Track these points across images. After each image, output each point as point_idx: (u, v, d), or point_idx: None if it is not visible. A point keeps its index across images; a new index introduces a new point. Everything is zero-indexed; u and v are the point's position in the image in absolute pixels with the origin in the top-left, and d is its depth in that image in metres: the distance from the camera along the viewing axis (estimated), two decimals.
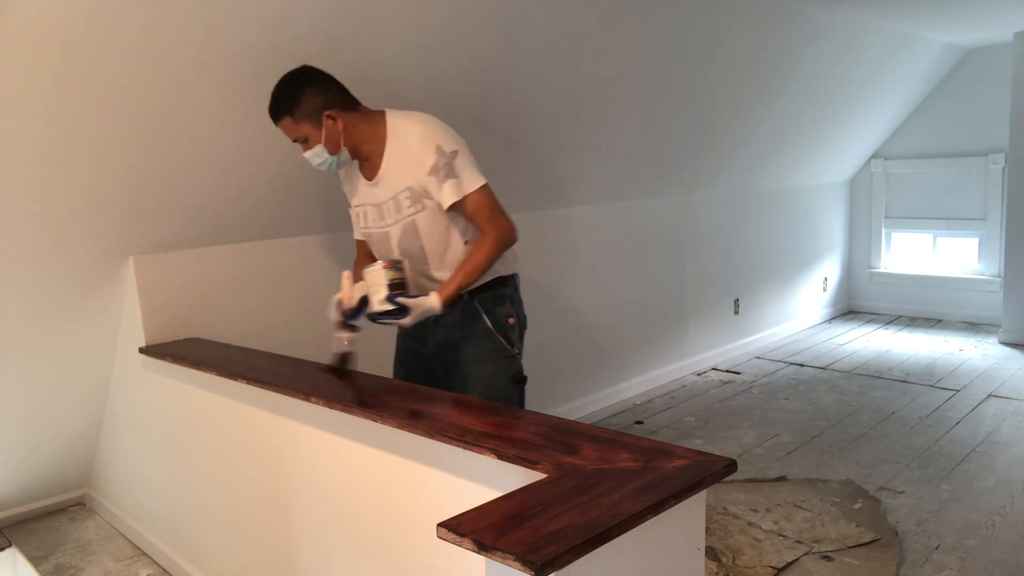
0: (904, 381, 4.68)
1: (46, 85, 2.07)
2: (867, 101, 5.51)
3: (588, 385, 4.36)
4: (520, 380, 2.16)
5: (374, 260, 2.13)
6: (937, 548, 2.68)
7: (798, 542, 2.74)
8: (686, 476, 1.22)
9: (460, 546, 1.06)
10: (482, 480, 1.48)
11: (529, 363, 3.94)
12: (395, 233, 2.07)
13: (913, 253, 6.45)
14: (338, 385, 1.97)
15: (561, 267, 4.12)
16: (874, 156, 6.39)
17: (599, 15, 3.13)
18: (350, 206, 2.21)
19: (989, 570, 2.53)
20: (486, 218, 2.01)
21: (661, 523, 1.15)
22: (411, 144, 1.98)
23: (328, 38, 2.44)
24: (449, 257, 2.08)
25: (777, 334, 5.86)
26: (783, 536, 2.79)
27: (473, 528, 1.07)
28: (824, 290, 6.42)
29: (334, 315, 2.07)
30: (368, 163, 2.07)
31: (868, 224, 6.54)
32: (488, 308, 2.11)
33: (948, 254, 6.28)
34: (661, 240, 4.76)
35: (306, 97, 2.00)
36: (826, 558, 2.63)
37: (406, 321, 1.93)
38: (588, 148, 3.85)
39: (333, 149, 2.04)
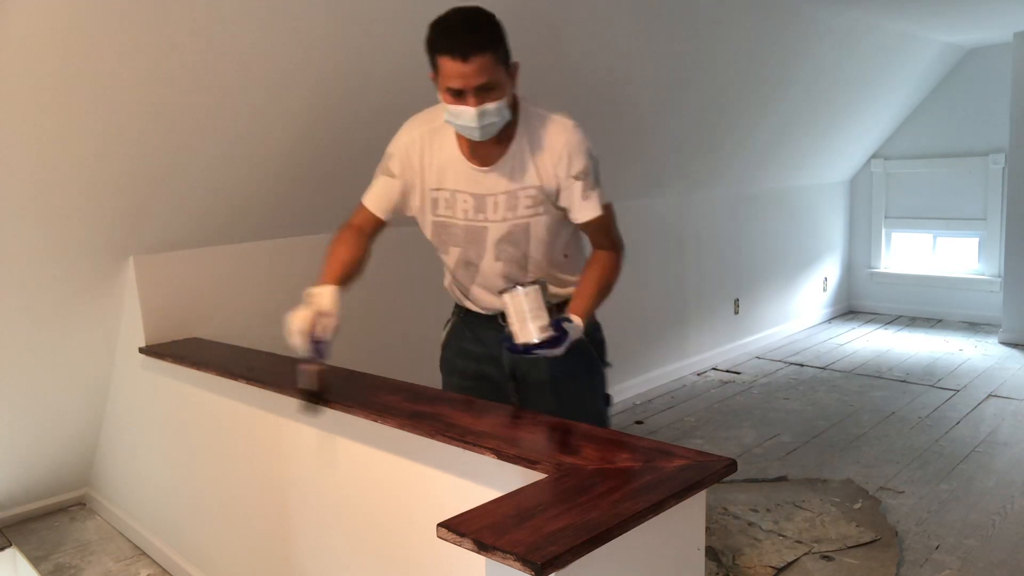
0: (904, 381, 4.68)
1: (46, 85, 2.07)
2: (867, 101, 5.51)
3: None
4: (609, 401, 1.97)
5: (358, 239, 1.87)
6: (937, 548, 2.68)
7: (798, 542, 2.74)
8: (686, 476, 1.22)
9: (460, 546, 1.06)
10: (482, 480, 1.48)
11: None
12: (497, 231, 1.77)
13: (913, 253, 6.45)
14: (340, 386, 1.96)
15: None
16: (874, 156, 6.39)
17: (598, 15, 3.13)
18: (390, 175, 1.83)
19: (989, 570, 2.53)
20: (611, 235, 1.81)
21: (661, 523, 1.15)
22: (555, 141, 1.71)
23: (328, 37, 2.45)
24: (547, 268, 1.84)
25: (777, 334, 5.86)
26: (783, 536, 2.79)
27: (473, 528, 1.07)
28: (824, 290, 6.42)
29: (299, 342, 1.70)
30: (485, 145, 1.70)
31: (868, 224, 6.54)
32: None
33: (948, 254, 6.28)
34: (661, 240, 4.76)
35: (505, 37, 1.62)
36: (826, 558, 2.63)
37: (559, 351, 1.62)
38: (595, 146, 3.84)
39: (511, 109, 1.67)
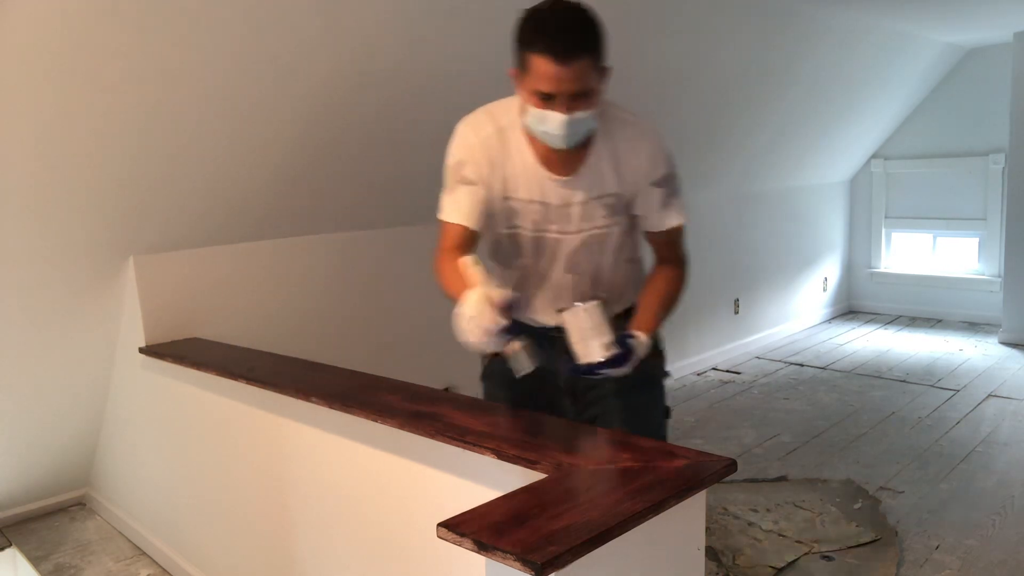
0: (904, 381, 4.68)
1: (46, 85, 2.07)
2: (867, 101, 5.51)
3: None
4: (668, 413, 1.86)
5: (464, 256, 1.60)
6: (937, 548, 2.68)
7: (798, 542, 2.74)
8: (686, 476, 1.22)
9: (460, 546, 1.06)
10: (482, 480, 1.48)
11: None
12: (572, 243, 1.65)
13: (913, 253, 6.45)
14: (340, 386, 1.96)
15: None
16: (874, 156, 6.39)
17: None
18: (470, 183, 1.62)
19: (989, 570, 2.53)
20: (682, 248, 1.73)
21: (661, 523, 1.15)
22: (637, 145, 1.59)
23: (328, 37, 2.44)
24: (613, 280, 1.73)
25: (777, 334, 5.86)
26: (783, 536, 2.79)
27: (473, 528, 1.07)
28: (824, 290, 6.42)
29: (491, 320, 1.40)
30: (564, 152, 1.56)
31: (868, 224, 6.54)
32: None
33: (948, 254, 6.28)
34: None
35: (605, 40, 1.48)
36: (826, 558, 2.63)
37: (625, 370, 1.53)
38: None
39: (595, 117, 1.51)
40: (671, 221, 1.67)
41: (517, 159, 1.60)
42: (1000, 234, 5.80)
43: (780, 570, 2.56)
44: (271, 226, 2.92)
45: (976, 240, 6.07)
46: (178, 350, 2.58)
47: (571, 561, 1.01)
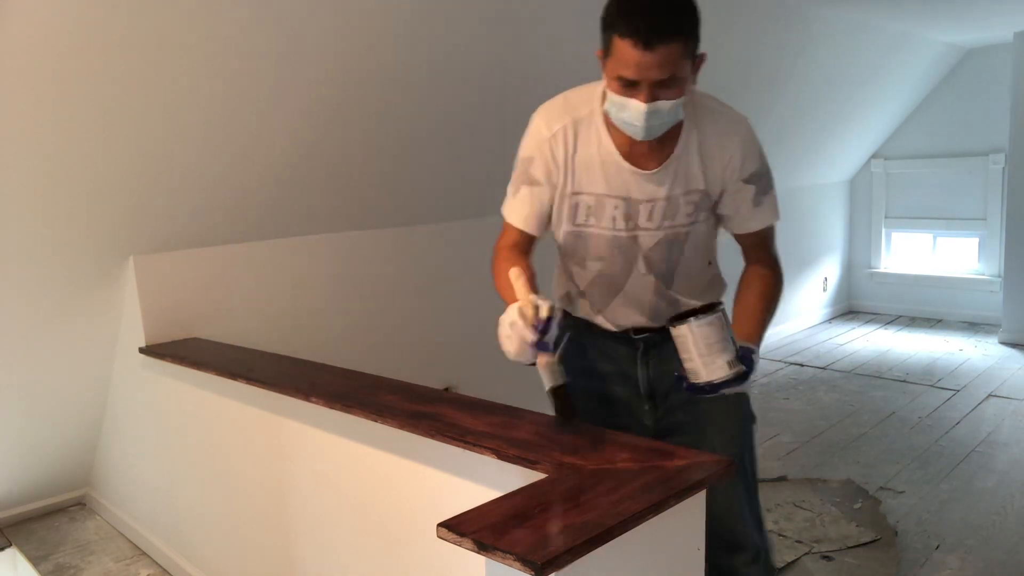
0: (904, 381, 4.68)
1: (46, 85, 2.07)
2: (867, 101, 5.51)
3: None
4: (754, 418, 1.72)
5: (523, 259, 1.55)
6: (937, 548, 2.68)
7: (798, 542, 2.74)
8: (686, 476, 1.22)
9: (460, 546, 1.06)
10: (482, 480, 1.48)
11: None
12: (650, 241, 1.54)
13: (913, 253, 6.44)
14: (340, 386, 1.96)
15: None
16: (874, 156, 6.39)
17: (597, 15, 3.13)
18: (535, 184, 1.54)
19: (989, 570, 2.53)
20: (774, 249, 1.61)
21: (661, 523, 1.15)
22: (728, 139, 1.49)
23: (328, 37, 2.44)
24: (694, 282, 1.63)
25: (777, 334, 5.85)
26: (783, 536, 2.79)
27: (473, 528, 1.07)
28: (824, 290, 6.42)
29: (526, 334, 1.35)
30: (649, 143, 1.45)
31: (868, 224, 6.54)
32: None
33: (948, 254, 6.28)
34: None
35: (699, 26, 1.39)
36: (826, 558, 2.63)
37: (747, 386, 1.44)
38: None
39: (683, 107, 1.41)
40: (763, 221, 1.55)
41: (595, 151, 1.49)
42: (1000, 234, 5.80)
43: (780, 570, 2.56)
44: (271, 226, 2.92)
45: (976, 240, 6.07)
46: (178, 350, 2.57)
47: (571, 561, 1.01)
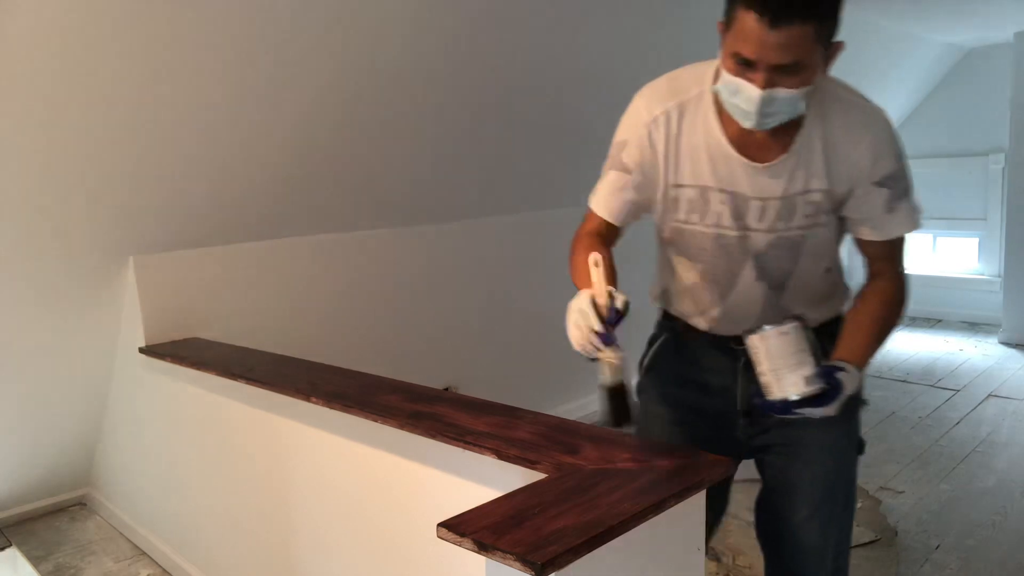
0: (904, 381, 4.68)
1: (46, 85, 2.07)
2: None
3: (588, 385, 4.35)
4: (862, 448, 1.56)
5: (603, 248, 1.39)
6: (937, 548, 2.68)
7: None
8: (686, 476, 1.22)
9: (460, 546, 1.06)
10: (482, 480, 1.47)
11: (530, 363, 3.95)
12: (760, 244, 1.37)
13: (913, 253, 6.45)
14: (340, 386, 1.96)
15: (563, 267, 4.10)
16: None
17: (597, 14, 3.13)
18: (624, 171, 1.41)
19: (989, 570, 2.53)
20: (902, 262, 1.43)
21: (661, 523, 1.15)
22: (859, 134, 1.30)
23: (328, 37, 2.44)
24: (810, 292, 1.46)
25: None
26: None
27: (473, 528, 1.07)
28: None
29: (594, 323, 1.24)
30: (765, 133, 1.28)
31: None
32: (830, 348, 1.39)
33: (948, 254, 6.28)
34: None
35: (839, 10, 1.22)
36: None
37: (830, 410, 1.26)
38: (587, 148, 3.85)
39: (808, 99, 1.24)
40: (895, 230, 1.36)
41: (702, 139, 1.32)
42: (1000, 234, 5.80)
43: None
44: (271, 226, 2.92)
45: (976, 240, 6.07)
46: (178, 350, 2.57)
47: (571, 561, 1.01)
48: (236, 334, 2.76)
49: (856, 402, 1.46)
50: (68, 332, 2.77)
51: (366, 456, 1.78)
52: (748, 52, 1.16)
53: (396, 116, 2.88)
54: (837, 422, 1.38)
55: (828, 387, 1.24)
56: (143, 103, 2.25)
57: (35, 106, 2.11)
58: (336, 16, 2.39)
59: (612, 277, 1.33)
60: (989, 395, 4.34)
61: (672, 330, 1.60)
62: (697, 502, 1.25)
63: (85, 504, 3.33)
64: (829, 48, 1.21)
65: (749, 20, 1.14)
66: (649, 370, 1.65)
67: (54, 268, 2.55)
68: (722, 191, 1.34)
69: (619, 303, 1.26)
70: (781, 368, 1.25)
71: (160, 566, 2.80)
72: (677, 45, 3.65)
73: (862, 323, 1.38)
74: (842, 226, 1.41)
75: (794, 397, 1.24)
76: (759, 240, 1.37)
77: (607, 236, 1.47)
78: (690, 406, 1.56)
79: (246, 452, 2.27)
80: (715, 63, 1.31)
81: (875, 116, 1.32)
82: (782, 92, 1.18)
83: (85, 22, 1.99)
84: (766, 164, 1.30)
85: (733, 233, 1.37)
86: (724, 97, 1.25)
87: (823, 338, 1.37)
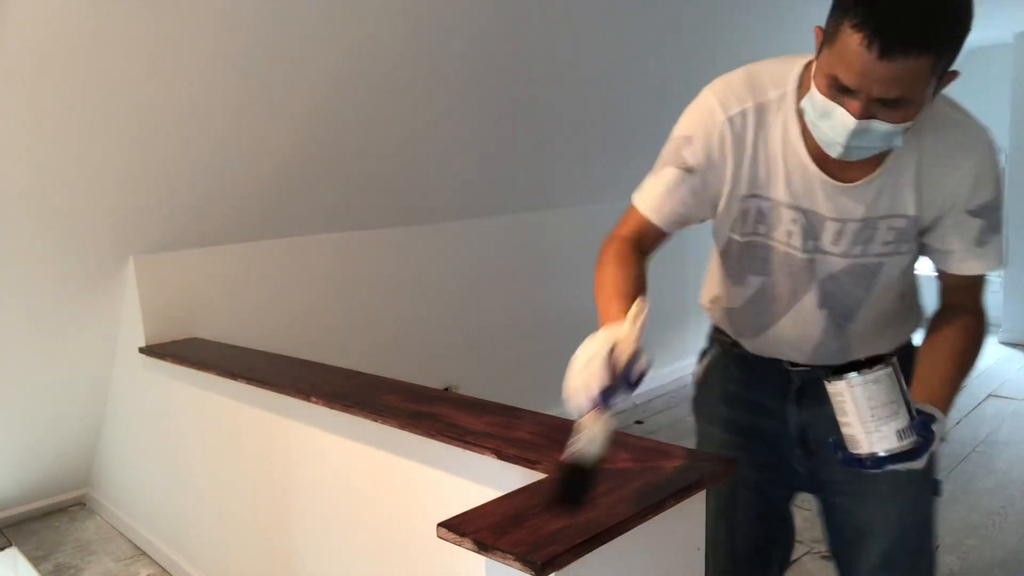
0: None
1: (46, 85, 2.07)
2: None
3: None
4: (939, 489, 1.40)
5: (637, 264, 1.26)
6: (937, 548, 2.67)
7: (798, 542, 2.73)
8: (686, 476, 1.22)
9: (460, 546, 1.06)
10: (482, 480, 1.47)
11: (530, 362, 3.95)
12: (831, 269, 1.24)
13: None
14: (340, 386, 1.96)
15: (562, 266, 4.11)
16: None
17: (599, 13, 3.13)
18: (686, 170, 1.23)
19: (989, 570, 2.53)
20: (983, 298, 1.28)
21: (661, 523, 1.15)
22: (961, 157, 1.14)
23: (328, 37, 2.44)
24: (875, 320, 1.31)
25: None
26: None
27: (473, 528, 1.07)
28: None
29: (601, 377, 1.01)
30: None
31: None
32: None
33: None
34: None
35: (963, 39, 1.00)
36: (826, 558, 2.63)
37: (919, 463, 1.09)
38: (589, 148, 3.85)
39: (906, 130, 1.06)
40: (984, 266, 1.21)
41: (779, 149, 1.18)
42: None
43: None
44: (271, 226, 2.92)
45: None
46: (178, 350, 2.57)
47: (571, 561, 1.01)
48: (236, 334, 2.76)
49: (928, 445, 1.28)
50: (68, 332, 2.77)
51: (366, 456, 1.78)
52: (848, 80, 1.00)
53: (396, 116, 2.88)
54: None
55: (923, 439, 1.07)
56: (143, 103, 2.25)
57: (36, 108, 2.11)
58: (336, 17, 2.39)
59: (639, 292, 1.19)
60: (989, 395, 4.34)
61: (722, 344, 1.48)
62: (697, 502, 1.25)
63: (85, 504, 3.33)
64: (943, 79, 1.03)
65: (854, 43, 0.96)
66: (702, 386, 1.55)
67: (54, 268, 2.55)
68: (796, 208, 1.20)
69: (641, 364, 1.03)
70: (872, 420, 1.07)
71: (160, 566, 2.80)
72: (679, 49, 3.65)
73: (944, 363, 1.21)
74: (921, 250, 1.25)
75: (884, 453, 1.07)
76: (831, 264, 1.23)
77: (647, 243, 1.31)
78: (743, 427, 1.44)
79: (246, 452, 2.27)
80: (799, 63, 1.18)
81: (979, 137, 1.16)
82: (880, 126, 1.02)
83: (87, 24, 1.99)
84: (850, 184, 1.16)
85: (801, 255, 1.23)
86: (810, 117, 1.09)
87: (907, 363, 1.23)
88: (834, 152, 1.09)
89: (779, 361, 1.36)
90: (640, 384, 1.05)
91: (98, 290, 2.70)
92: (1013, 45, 5.21)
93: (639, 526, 1.10)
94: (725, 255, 1.36)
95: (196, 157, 2.50)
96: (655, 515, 1.13)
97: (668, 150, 1.27)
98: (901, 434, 1.07)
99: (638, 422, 4.14)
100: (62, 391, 2.93)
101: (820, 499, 1.45)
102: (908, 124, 1.04)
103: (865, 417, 1.07)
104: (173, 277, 2.73)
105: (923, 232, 1.20)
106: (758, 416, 1.42)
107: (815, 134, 1.11)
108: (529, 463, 1.34)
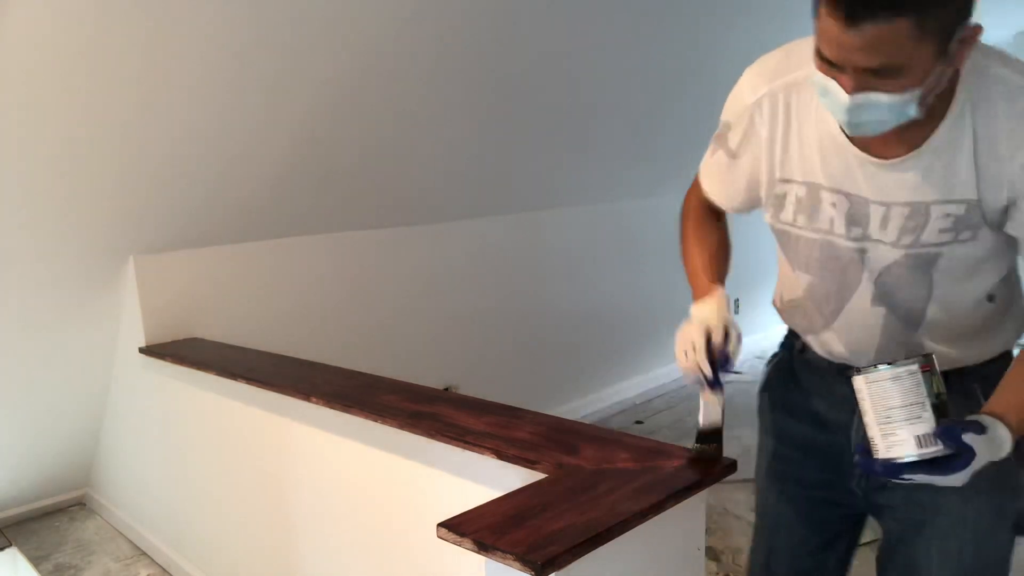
0: None
1: (46, 85, 2.07)
2: None
3: (588, 385, 4.36)
4: (1020, 528, 1.21)
5: (717, 228, 1.28)
6: None
7: None
8: (686, 476, 1.22)
9: (460, 546, 1.06)
10: (482, 480, 1.47)
11: (530, 362, 3.95)
12: (885, 259, 1.11)
13: None
14: (340, 386, 1.96)
15: (562, 267, 4.11)
16: None
17: (600, 13, 3.13)
18: (728, 154, 1.22)
19: None
20: None
21: (661, 523, 1.15)
22: (1020, 122, 0.98)
23: (328, 37, 2.44)
24: (955, 325, 1.16)
25: (778, 334, 5.85)
26: None
27: (473, 528, 1.07)
28: None
29: (704, 366, 1.14)
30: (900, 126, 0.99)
31: None
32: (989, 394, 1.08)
33: None
34: (662, 239, 4.76)
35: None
36: None
37: (954, 480, 0.97)
38: (589, 148, 3.85)
39: (927, 98, 0.96)
40: None
41: (813, 127, 1.09)
42: None
43: None
44: (271, 226, 2.92)
45: None
46: (178, 350, 2.58)
47: (571, 561, 1.01)
48: (236, 334, 2.76)
49: (1013, 465, 1.12)
50: (68, 332, 2.77)
51: (366, 456, 1.78)
52: (829, 53, 0.95)
53: (396, 116, 2.88)
54: (986, 489, 1.08)
55: (952, 451, 0.95)
56: (143, 103, 2.25)
57: (36, 108, 2.11)
58: (335, 17, 2.39)
59: (726, 264, 1.27)
60: None
61: (790, 348, 1.38)
62: (697, 502, 1.25)
63: (85, 504, 3.33)
64: (955, 40, 0.91)
65: (825, 15, 0.93)
66: (763, 391, 1.47)
67: (54, 268, 2.55)
68: (835, 191, 1.09)
69: (732, 343, 1.14)
70: (888, 421, 0.99)
71: (160, 566, 2.80)
72: (680, 49, 3.65)
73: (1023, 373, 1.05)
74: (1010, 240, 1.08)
75: (901, 459, 0.97)
76: (884, 255, 1.10)
77: (718, 209, 1.31)
78: (797, 441, 1.35)
79: (246, 452, 2.27)
80: None
81: None
82: (880, 98, 0.93)
83: (87, 25, 1.99)
84: (892, 160, 1.03)
85: (847, 243, 1.11)
86: (818, 94, 1.02)
87: (977, 381, 1.14)
88: (848, 130, 1.01)
89: (848, 368, 1.19)
90: (738, 354, 1.17)
91: (98, 290, 2.70)
92: (1013, 45, 5.21)
93: (639, 526, 1.10)
94: (779, 241, 1.26)
95: (196, 157, 2.50)
96: (655, 515, 1.13)
97: (717, 134, 1.25)
98: (921, 440, 0.96)
99: (638, 422, 4.14)
100: (62, 391, 2.93)
101: (879, 519, 1.29)
102: (917, 92, 0.93)
103: (881, 418, 0.99)
104: (173, 277, 2.73)
105: (995, 221, 1.04)
106: (818, 430, 1.30)
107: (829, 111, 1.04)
108: (529, 463, 1.34)
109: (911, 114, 0.96)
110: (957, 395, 1.05)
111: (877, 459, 1.00)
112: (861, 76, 0.93)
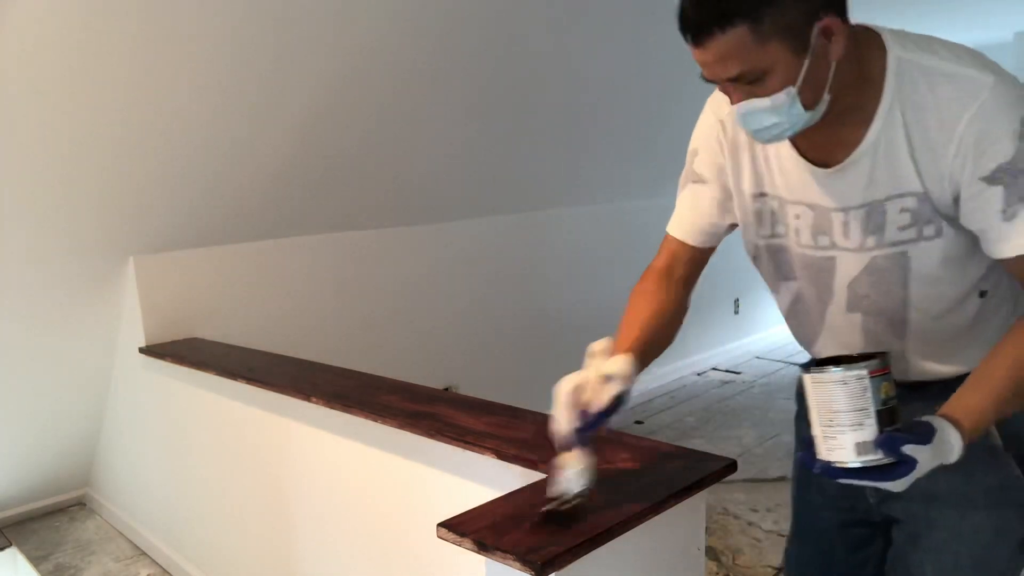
0: None
1: (46, 86, 2.07)
2: None
3: None
4: None
5: (663, 292, 1.25)
6: None
7: None
8: (686, 476, 1.22)
9: (460, 546, 1.06)
10: (482, 480, 1.47)
11: (531, 362, 3.95)
12: (852, 266, 1.11)
13: None
14: (340, 386, 1.96)
15: (562, 266, 4.11)
16: None
17: (600, 14, 3.13)
18: (700, 182, 1.23)
19: None
20: None
21: (661, 523, 1.15)
22: (951, 113, 0.97)
23: (328, 37, 2.44)
24: (936, 326, 1.13)
25: (777, 334, 5.85)
26: (783, 536, 2.78)
27: (473, 528, 1.07)
28: None
29: (565, 420, 1.04)
30: (824, 129, 1.02)
31: None
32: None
33: None
34: (662, 240, 4.76)
35: None
36: None
37: (894, 485, 0.94)
38: (589, 148, 3.85)
39: (815, 95, 0.97)
40: (1018, 245, 0.98)
41: (771, 145, 1.10)
42: None
43: (780, 570, 2.56)
44: (271, 226, 2.92)
45: None
46: (178, 350, 2.58)
47: (571, 561, 1.01)
48: (236, 334, 2.76)
49: (1017, 475, 1.11)
50: (68, 332, 2.77)
51: (366, 456, 1.78)
52: (704, 73, 1.00)
53: (395, 116, 2.88)
54: (983, 504, 1.08)
55: (893, 459, 0.92)
56: (143, 103, 2.26)
57: (36, 109, 2.11)
58: (336, 18, 2.39)
59: (655, 338, 1.20)
60: None
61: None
62: (697, 502, 1.25)
63: (85, 504, 3.33)
64: (807, 35, 0.93)
65: (688, 43, 0.98)
66: (797, 396, 1.41)
67: (54, 268, 2.55)
68: (797, 203, 1.10)
69: (605, 393, 1.04)
70: (831, 424, 0.96)
71: (160, 566, 2.80)
72: (680, 49, 3.66)
73: (988, 372, 1.01)
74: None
75: (841, 464, 0.96)
76: (851, 262, 1.10)
77: (680, 268, 1.28)
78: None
79: (246, 452, 2.27)
80: None
81: (977, 85, 0.96)
82: (759, 103, 0.96)
83: (88, 25, 1.99)
84: (835, 167, 1.04)
85: (817, 253, 1.12)
86: None
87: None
88: (756, 139, 1.04)
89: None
90: (611, 416, 1.04)
91: (98, 290, 2.70)
92: (1013, 45, 5.21)
93: (639, 526, 1.10)
94: (756, 261, 1.27)
95: (196, 157, 2.50)
96: (655, 515, 1.13)
97: (685, 170, 1.26)
98: (859, 448, 0.94)
99: (638, 422, 4.14)
100: (62, 391, 2.93)
101: (893, 531, 1.25)
102: (792, 90, 0.94)
103: (824, 420, 0.97)
104: (173, 277, 2.73)
105: (953, 214, 1.02)
106: None
107: None
108: (529, 463, 1.34)
109: (802, 112, 0.97)
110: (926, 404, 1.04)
111: (818, 460, 0.99)
112: (733, 87, 0.98)
